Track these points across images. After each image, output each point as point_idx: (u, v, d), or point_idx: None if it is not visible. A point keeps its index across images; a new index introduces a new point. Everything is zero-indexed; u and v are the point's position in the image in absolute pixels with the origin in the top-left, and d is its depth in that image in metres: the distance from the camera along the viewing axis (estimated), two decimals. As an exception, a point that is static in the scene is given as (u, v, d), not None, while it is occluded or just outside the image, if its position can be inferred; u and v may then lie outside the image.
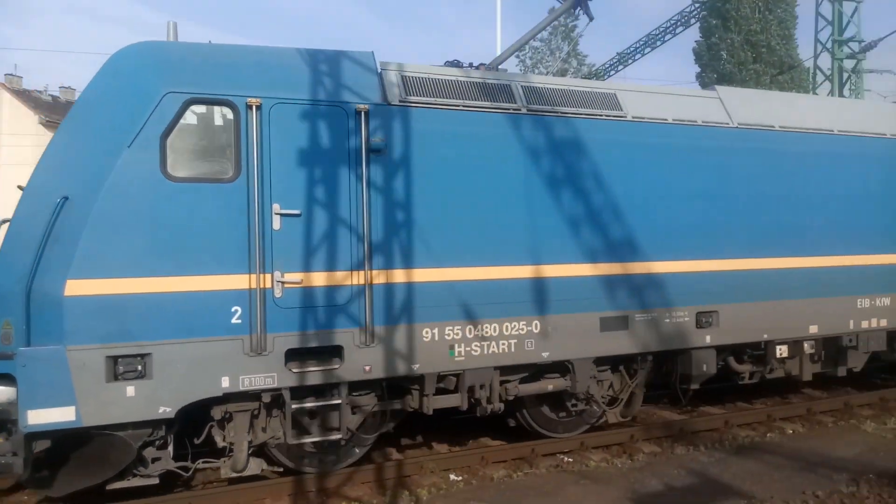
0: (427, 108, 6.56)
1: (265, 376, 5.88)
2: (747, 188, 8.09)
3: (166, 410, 5.57)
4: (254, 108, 5.88)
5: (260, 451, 6.45)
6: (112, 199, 5.46)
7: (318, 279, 6.05)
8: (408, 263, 6.38)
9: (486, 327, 6.70)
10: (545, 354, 6.99)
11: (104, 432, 5.53)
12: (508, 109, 6.91)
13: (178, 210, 5.65)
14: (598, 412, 7.92)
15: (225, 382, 5.75)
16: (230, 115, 5.89)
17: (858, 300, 8.80)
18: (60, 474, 5.64)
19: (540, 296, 6.94)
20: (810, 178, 8.52)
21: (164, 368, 5.56)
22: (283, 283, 5.92)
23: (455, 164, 6.62)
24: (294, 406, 6.09)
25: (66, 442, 5.53)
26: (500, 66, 7.84)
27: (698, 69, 32.70)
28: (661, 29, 22.13)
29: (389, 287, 6.31)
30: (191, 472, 6.22)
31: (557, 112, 7.14)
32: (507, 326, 6.80)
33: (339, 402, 6.23)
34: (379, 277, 6.26)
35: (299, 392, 6.14)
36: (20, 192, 5.54)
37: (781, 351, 8.42)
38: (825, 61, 17.95)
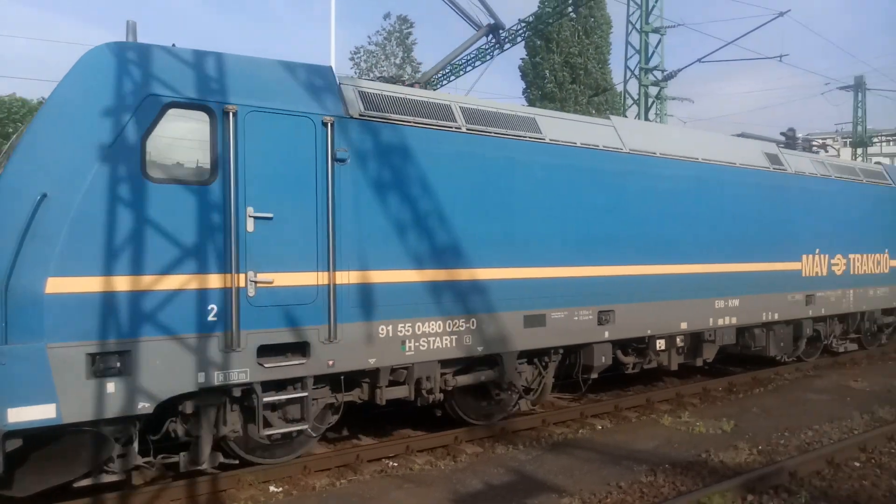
0: (382, 122, 7.05)
1: (238, 371, 6.09)
2: (636, 205, 9.29)
3: (145, 406, 5.65)
4: (230, 114, 6.06)
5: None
6: (94, 198, 5.47)
7: (288, 279, 6.35)
8: (367, 266, 6.85)
9: (432, 324, 7.34)
10: (480, 349, 7.73)
11: (84, 429, 5.52)
12: (451, 127, 7.58)
13: (158, 211, 5.74)
14: (514, 400, 8.61)
15: (201, 378, 5.90)
16: (207, 120, 6.04)
17: (715, 301, 10.33)
18: (28, 473, 5.51)
19: (476, 296, 7.68)
20: (681, 198, 9.88)
21: (142, 365, 5.62)
22: (255, 282, 6.17)
23: (405, 176, 7.19)
24: (265, 399, 6.33)
25: (34, 440, 5.41)
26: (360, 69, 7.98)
27: (524, 86, 34.57)
28: (491, 44, 22.98)
29: (350, 287, 6.73)
30: (154, 468, 6.30)
31: (490, 132, 7.91)
32: (449, 324, 7.47)
33: (305, 394, 6.56)
34: (342, 278, 6.66)
35: (265, 386, 6.36)
36: None
37: (660, 344, 9.78)
38: (634, 86, 19.70)
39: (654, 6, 18.13)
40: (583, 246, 8.69)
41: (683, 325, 9.92)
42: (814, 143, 14.47)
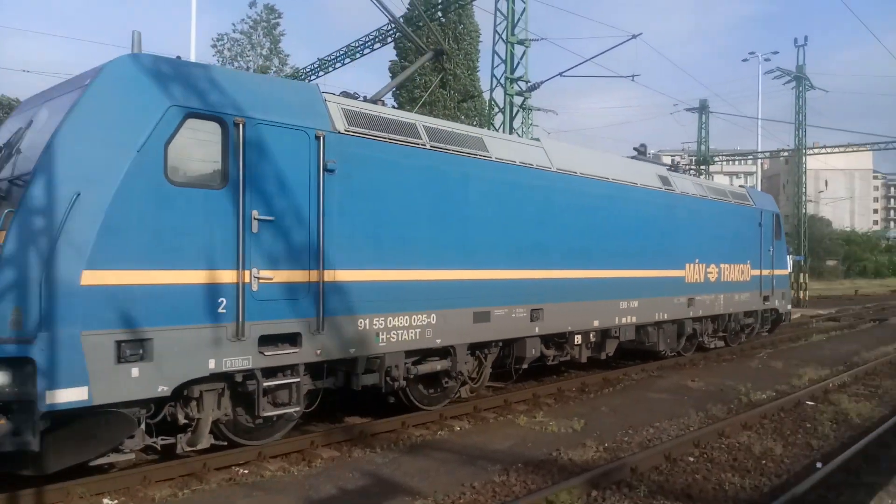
0: (362, 137, 7.82)
1: (242, 358, 6.68)
2: (562, 217, 10.56)
3: (164, 389, 6.14)
4: (240, 125, 6.65)
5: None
6: (123, 197, 5.90)
7: (285, 276, 7.01)
8: (349, 266, 7.60)
9: (400, 319, 8.18)
10: (438, 341, 8.65)
11: (110, 409, 5.92)
12: (418, 144, 8.47)
13: (177, 211, 6.23)
14: (457, 388, 9.59)
15: (211, 364, 6.45)
16: (219, 131, 6.58)
17: (620, 303, 11.84)
18: (49, 452, 5.75)
19: (436, 295, 8.59)
20: (596, 213, 11.29)
21: (162, 352, 6.10)
22: (258, 278, 6.76)
23: (381, 185, 7.99)
24: (265, 384, 6.93)
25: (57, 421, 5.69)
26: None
27: (395, 88, 34.67)
28: (361, 42, 22.82)
29: (336, 284, 7.45)
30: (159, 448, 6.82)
31: (449, 149, 8.87)
32: (414, 318, 8.34)
33: (297, 380, 7.23)
34: (328, 276, 7.37)
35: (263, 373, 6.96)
36: None
37: (577, 339, 11.11)
38: (501, 95, 20.19)
39: (519, 19, 18.72)
40: (520, 252, 9.83)
41: (596, 323, 11.34)
42: (689, 167, 15.68)
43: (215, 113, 6.57)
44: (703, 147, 44.69)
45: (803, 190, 42.68)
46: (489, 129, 20.07)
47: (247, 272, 6.66)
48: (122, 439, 6.26)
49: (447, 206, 8.78)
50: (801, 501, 6.31)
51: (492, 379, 10.83)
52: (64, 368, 5.52)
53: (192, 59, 21.74)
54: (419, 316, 8.39)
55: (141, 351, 6.01)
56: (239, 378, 6.86)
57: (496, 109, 20.33)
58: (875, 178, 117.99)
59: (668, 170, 14.41)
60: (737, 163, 78.69)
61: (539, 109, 21.99)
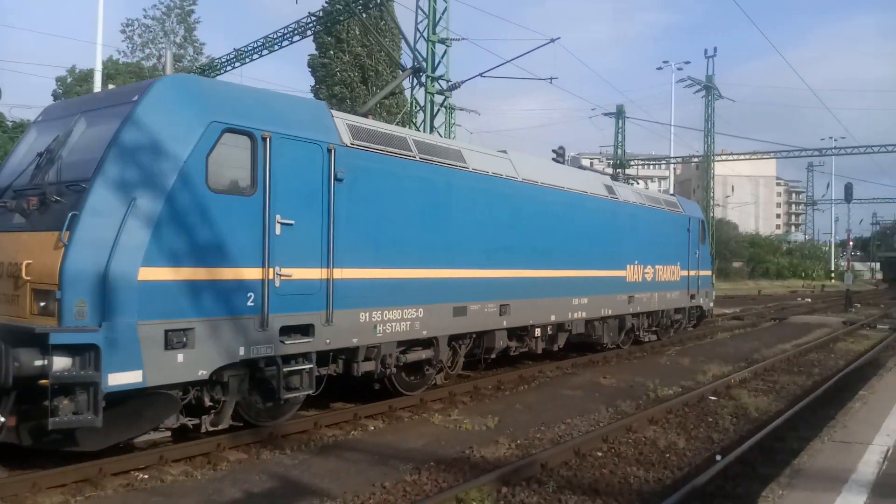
0: (365, 150, 8.68)
1: (266, 346, 7.40)
2: (526, 222, 11.68)
3: (203, 373, 6.84)
4: (267, 139, 7.39)
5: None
6: (173, 202, 6.57)
7: (301, 274, 7.78)
8: (354, 265, 8.44)
9: (394, 312, 9.06)
10: (424, 333, 9.60)
11: (158, 391, 6.60)
12: (410, 156, 9.39)
13: (216, 216, 6.93)
14: (434, 375, 10.42)
15: (241, 351, 7.16)
16: (249, 144, 7.30)
17: (573, 300, 13.07)
18: (102, 430, 6.19)
19: (423, 291, 9.51)
20: (554, 218, 12.49)
21: (202, 340, 6.78)
22: (280, 275, 7.51)
23: (380, 193, 8.87)
24: (285, 369, 7.62)
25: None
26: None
27: (314, 82, 34.01)
28: (280, 34, 22.30)
29: (342, 281, 8.26)
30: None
31: (434, 160, 9.81)
32: (405, 312, 9.24)
33: (311, 366, 7.98)
34: (337, 274, 8.18)
35: (272, 359, 7.59)
36: None
37: (537, 332, 12.23)
38: (422, 94, 20.13)
39: (440, 18, 18.74)
40: (492, 253, 10.91)
41: (553, 318, 12.53)
42: (632, 177, 16.40)
43: (247, 128, 7.32)
44: (619, 151, 45.99)
45: (711, 195, 44.58)
46: (410, 127, 20.03)
47: (271, 270, 7.43)
48: (166, 418, 7.02)
49: (433, 211, 9.79)
50: (701, 493, 6.54)
51: (463, 367, 11.50)
52: (122, 354, 6.19)
53: (99, 43, 20.73)
54: (409, 310, 9.34)
55: (185, 339, 6.70)
56: (262, 364, 7.58)
57: (417, 107, 20.29)
58: (778, 184, 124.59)
59: (612, 179, 16.05)
60: (651, 167, 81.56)
61: (462, 109, 22.20)
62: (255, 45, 23.03)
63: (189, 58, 34.77)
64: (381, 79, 32.41)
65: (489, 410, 9.85)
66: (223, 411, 7.59)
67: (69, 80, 39.24)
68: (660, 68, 49.41)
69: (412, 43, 18.03)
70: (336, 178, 8.16)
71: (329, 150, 8.12)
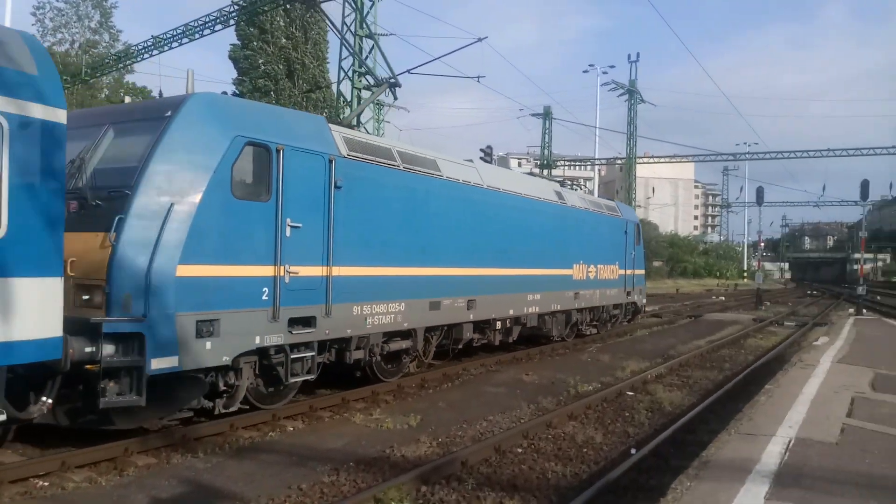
0: (359, 160, 9.66)
1: (277, 336, 8.25)
2: (490, 225, 12.88)
3: (226, 359, 7.62)
4: (280, 151, 8.26)
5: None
6: (205, 207, 7.34)
7: (306, 271, 8.68)
8: (349, 263, 9.38)
9: (381, 306, 10.07)
10: (405, 325, 10.67)
11: (189, 374, 7.32)
12: (394, 165, 10.39)
13: (239, 220, 7.77)
14: (407, 363, 11.53)
15: (257, 340, 7.99)
16: (265, 155, 8.14)
17: (528, 295, 14.30)
18: (129, 411, 7.01)
19: (405, 287, 10.56)
20: (513, 221, 13.73)
21: (226, 330, 7.54)
22: (289, 273, 8.37)
23: (371, 199, 9.86)
24: (292, 356, 8.58)
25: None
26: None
27: (237, 74, 33.02)
28: (201, 22, 21.59)
29: (339, 278, 9.19)
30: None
31: (415, 169, 10.86)
32: (390, 306, 10.27)
33: (314, 353, 8.95)
34: (335, 272, 9.11)
35: (281, 348, 8.50)
36: None
37: (498, 325, 13.41)
38: (349, 88, 19.86)
39: (368, 12, 18.54)
40: (462, 253, 12.01)
41: (511, 312, 13.78)
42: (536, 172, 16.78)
43: (264, 142, 8.18)
44: (546, 152, 46.74)
45: (633, 196, 45.87)
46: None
47: (282, 267, 8.29)
48: (195, 399, 7.76)
49: (414, 215, 10.81)
50: (615, 486, 6.69)
51: (433, 357, 12.75)
52: (162, 342, 6.94)
53: (7, 26, 19.57)
54: (393, 304, 10.35)
55: (212, 329, 7.47)
56: (272, 352, 8.39)
57: (344, 103, 20.02)
58: (696, 187, 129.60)
59: (561, 186, 17.65)
60: (577, 168, 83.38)
61: (391, 105, 22.04)
62: (175, 33, 22.24)
63: (105, 44, 33.27)
64: (307, 72, 31.80)
65: (412, 409, 9.80)
66: (236, 395, 8.39)
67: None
68: (586, 71, 50.54)
69: (340, 36, 17.81)
70: (336, 186, 9.13)
71: (330, 161, 9.10)
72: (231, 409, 8.38)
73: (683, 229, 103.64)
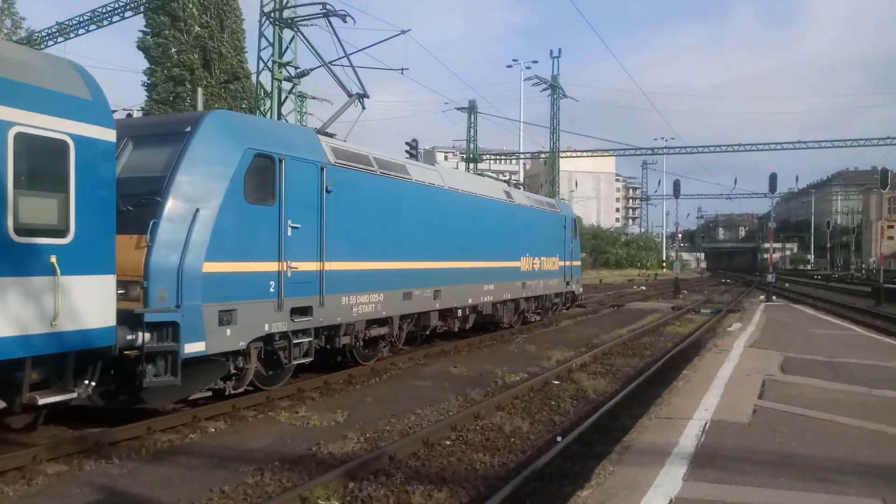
0: (344, 167, 10.78)
1: (281, 323, 9.37)
2: (451, 222, 14.33)
3: (242, 344, 8.76)
4: (282, 161, 9.36)
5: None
6: (224, 212, 8.50)
7: (304, 266, 9.78)
8: (337, 259, 10.50)
9: (364, 297, 11.26)
10: (384, 313, 11.95)
11: (213, 357, 8.45)
12: (372, 170, 11.61)
13: (251, 222, 8.93)
14: (383, 348, 12.78)
15: (266, 327, 9.11)
16: (270, 165, 9.24)
17: (483, 286, 15.82)
18: (159, 390, 7.96)
19: (383, 280, 11.80)
20: (471, 219, 15.22)
21: (242, 318, 8.69)
22: (291, 268, 9.46)
23: (354, 202, 11.00)
24: (294, 341, 9.75)
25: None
26: None
27: (148, 64, 31.63)
28: (110, 8, 20.62)
29: (330, 272, 10.31)
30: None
31: (389, 174, 12.13)
32: (371, 297, 11.48)
33: (311, 339, 10.10)
34: (327, 266, 10.22)
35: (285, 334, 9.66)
36: None
37: (459, 313, 14.89)
38: (270, 79, 19.37)
39: (287, 1, 18.10)
40: (429, 248, 13.40)
41: (470, 301, 15.22)
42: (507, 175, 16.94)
43: (270, 152, 9.28)
44: (472, 145, 47.01)
45: (557, 189, 46.72)
46: (257, 114, 19.33)
47: (285, 263, 9.40)
48: (216, 379, 8.86)
49: (389, 215, 12.04)
50: (541, 474, 6.79)
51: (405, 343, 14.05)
52: (192, 329, 7.91)
53: None
54: (374, 295, 11.56)
55: (231, 317, 8.51)
56: (276, 338, 9.45)
57: (264, 94, 19.52)
58: (617, 180, 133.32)
59: (509, 185, 19.74)
60: (502, 162, 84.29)
61: (313, 98, 21.61)
62: (82, 20, 21.15)
63: (6, 30, 31.33)
64: (225, 62, 30.82)
65: (339, 405, 9.67)
66: (245, 377, 9.37)
67: None
68: (510, 66, 51.07)
69: (260, 28, 17.35)
70: (327, 191, 10.22)
71: (322, 168, 10.21)
72: (238, 391, 9.41)
73: (605, 222, 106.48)
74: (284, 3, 17.82)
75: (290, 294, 9.48)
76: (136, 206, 7.78)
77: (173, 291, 7.80)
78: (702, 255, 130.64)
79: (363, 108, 12.92)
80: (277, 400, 9.93)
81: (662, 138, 71.64)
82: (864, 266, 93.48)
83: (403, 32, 14.21)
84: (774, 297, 31.89)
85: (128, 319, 7.36)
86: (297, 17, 12.60)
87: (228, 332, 8.47)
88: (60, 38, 21.62)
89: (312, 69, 16.06)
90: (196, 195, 8.21)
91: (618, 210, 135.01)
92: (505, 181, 20.75)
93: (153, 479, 6.52)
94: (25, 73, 6.48)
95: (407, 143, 17.54)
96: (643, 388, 11.24)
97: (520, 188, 21.21)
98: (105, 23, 20.51)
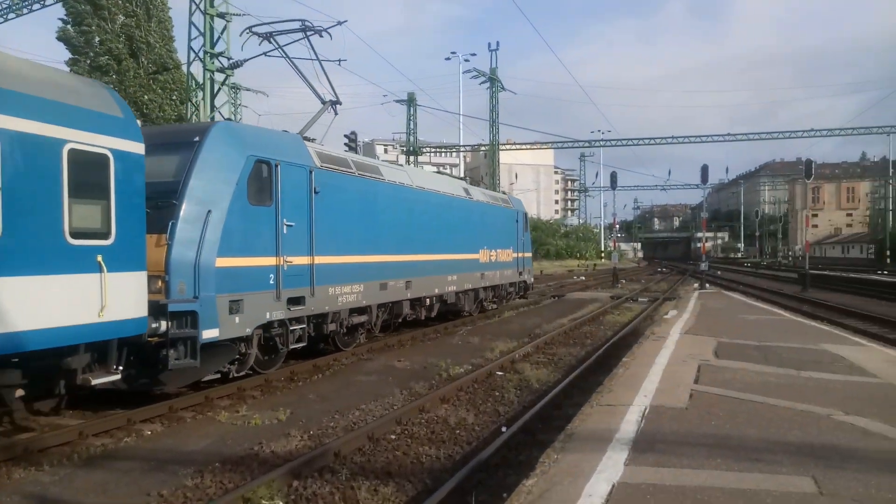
0: (328, 170, 11.85)
1: (280, 312, 10.50)
2: (419, 219, 15.52)
3: (248, 331, 9.86)
4: (278, 166, 10.43)
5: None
6: (231, 213, 9.48)
7: (297, 261, 10.89)
8: (324, 254, 11.56)
9: (347, 288, 12.30)
10: (364, 302, 12.97)
11: (223, 342, 9.42)
12: (352, 172, 12.73)
13: (253, 221, 10.00)
14: (361, 335, 13.83)
15: (267, 315, 10.24)
16: (268, 170, 10.35)
17: (448, 276, 17.13)
18: (176, 373, 8.83)
19: (363, 272, 12.90)
20: (436, 215, 16.50)
21: (248, 307, 9.76)
22: (286, 262, 10.55)
23: (336, 201, 12.02)
24: (291, 328, 10.90)
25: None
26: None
27: (70, 55, 30.31)
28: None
29: (319, 265, 11.40)
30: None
31: (366, 175, 13.28)
32: (353, 287, 12.54)
33: (305, 325, 11.28)
34: (317, 260, 11.32)
35: (283, 322, 10.80)
36: None
37: (427, 302, 16.10)
38: (201, 70, 18.80)
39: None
40: (401, 243, 14.58)
41: (436, 290, 16.49)
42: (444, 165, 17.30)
43: (267, 158, 10.28)
44: (412, 138, 46.86)
45: (497, 181, 47.04)
46: (188, 105, 18.80)
47: (281, 258, 10.44)
48: (227, 362, 9.87)
49: (367, 213, 13.16)
50: (487, 464, 6.83)
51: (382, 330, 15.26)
52: (208, 317, 8.91)
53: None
54: (355, 286, 12.67)
55: (239, 307, 9.52)
56: (275, 325, 10.52)
57: (196, 85, 18.93)
58: (556, 172, 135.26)
59: (468, 183, 21.13)
60: (443, 155, 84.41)
61: (248, 90, 21.12)
62: (1, 8, 20.10)
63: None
64: (153, 52, 29.76)
65: (281, 403, 9.51)
66: (247, 361, 10.34)
67: None
68: (448, 58, 51.01)
69: (190, 16, 16.79)
70: (315, 192, 11.27)
71: (310, 172, 11.27)
72: (242, 374, 10.40)
73: (545, 213, 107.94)
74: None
75: (286, 285, 10.54)
76: (155, 209, 8.47)
77: (191, 284, 8.75)
78: (638, 245, 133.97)
79: (335, 113, 13.85)
80: (217, 399, 9.70)
81: (599, 131, 73.21)
82: (790, 253, 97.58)
83: (340, 23, 13.99)
84: (708, 285, 32.96)
85: (153, 310, 8.22)
86: (275, 32, 12.84)
87: (237, 319, 9.51)
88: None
89: (246, 60, 15.75)
90: (207, 198, 9.18)
91: (557, 202, 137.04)
92: (461, 178, 21.89)
93: (87, 485, 6.28)
94: (73, 96, 7.44)
95: (346, 136, 17.41)
96: (585, 376, 11.44)
97: (471, 183, 22.17)
98: (25, 11, 19.59)
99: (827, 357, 11.23)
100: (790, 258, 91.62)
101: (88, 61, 28.54)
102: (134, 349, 8.20)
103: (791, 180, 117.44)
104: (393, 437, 7.95)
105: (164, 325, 8.41)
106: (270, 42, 12.83)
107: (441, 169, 22.06)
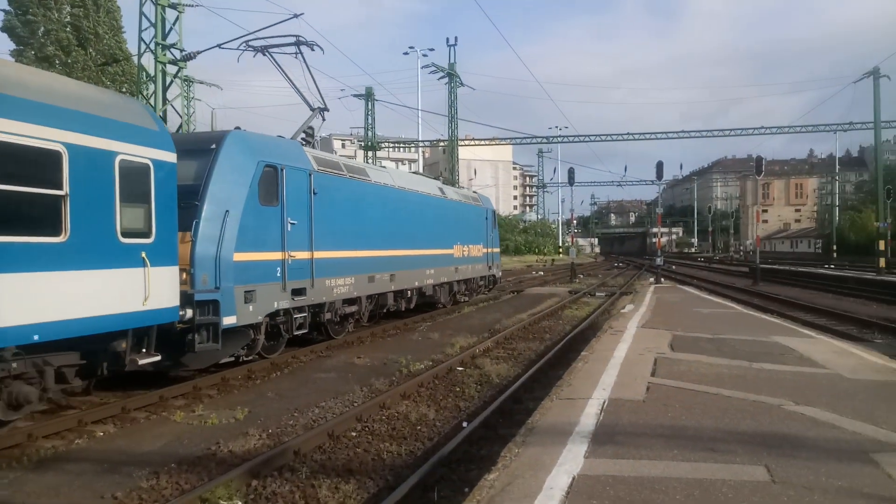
0: (325, 172, 13.10)
1: (285, 301, 11.72)
2: (401, 216, 16.80)
3: (260, 318, 11.02)
4: (283, 170, 11.68)
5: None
6: (245, 213, 10.64)
7: (299, 255, 12.08)
8: (322, 249, 12.78)
9: (340, 280, 13.58)
10: (355, 293, 14.28)
11: (239, 328, 10.53)
12: (343, 175, 13.99)
13: (263, 220, 11.14)
14: (350, 324, 14.96)
15: (275, 304, 11.43)
16: (275, 173, 11.54)
17: (427, 270, 18.46)
18: (198, 355, 9.98)
19: (354, 266, 14.16)
20: (417, 213, 17.84)
21: (259, 297, 10.90)
22: (290, 257, 11.76)
23: (332, 201, 13.30)
24: (295, 316, 12.22)
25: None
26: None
27: (14, 46, 29.27)
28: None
29: (318, 260, 12.63)
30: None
31: (356, 177, 14.57)
32: (346, 280, 13.82)
33: (306, 314, 12.58)
34: (315, 255, 12.54)
35: (287, 310, 12.11)
36: None
37: (409, 293, 17.51)
38: (152, 61, 18.32)
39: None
40: (386, 239, 15.72)
41: (416, 283, 17.79)
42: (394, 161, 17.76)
43: (274, 163, 11.44)
44: (370, 133, 46.59)
45: (457, 177, 47.07)
46: (139, 98, 18.33)
47: (286, 253, 11.59)
48: (242, 346, 10.93)
49: (356, 212, 14.36)
50: (449, 460, 6.83)
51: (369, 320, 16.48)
52: (228, 306, 10.02)
53: None
54: (348, 279, 13.89)
55: (252, 296, 10.63)
56: (280, 314, 11.67)
57: (147, 77, 18.46)
58: (514, 168, 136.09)
59: (442, 183, 22.58)
60: (402, 150, 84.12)
61: (201, 83, 20.72)
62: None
63: None
64: (102, 42, 28.91)
65: (238, 402, 9.37)
66: (255, 346, 11.31)
67: None
68: (406, 53, 50.80)
69: (140, 6, 16.33)
70: (314, 193, 12.42)
71: (310, 174, 12.45)
72: (250, 358, 11.52)
73: (504, 209, 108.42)
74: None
75: (291, 278, 11.69)
76: (179, 209, 9.20)
77: (212, 276, 9.86)
78: (595, 241, 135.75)
79: (323, 119, 14.98)
80: (171, 399, 9.51)
81: (557, 127, 73.72)
82: (742, 248, 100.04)
83: (296, 16, 13.84)
84: (663, 280, 33.56)
85: (181, 299, 9.19)
86: (269, 46, 13.76)
87: (251, 308, 10.65)
88: None
89: (200, 52, 15.39)
90: (225, 199, 10.29)
91: (515, 198, 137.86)
92: (436, 178, 23.46)
93: (38, 488, 6.09)
94: (119, 112, 8.45)
95: (303, 132, 17.17)
96: (545, 370, 11.54)
97: (444, 183, 23.44)
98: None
99: (777, 349, 11.54)
100: (741, 253, 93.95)
101: (34, 52, 27.58)
102: (160, 334, 8.91)
103: (742, 177, 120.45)
104: (353, 434, 7.89)
105: (189, 312, 9.42)
106: (265, 55, 13.91)
107: (399, 165, 22.44)
